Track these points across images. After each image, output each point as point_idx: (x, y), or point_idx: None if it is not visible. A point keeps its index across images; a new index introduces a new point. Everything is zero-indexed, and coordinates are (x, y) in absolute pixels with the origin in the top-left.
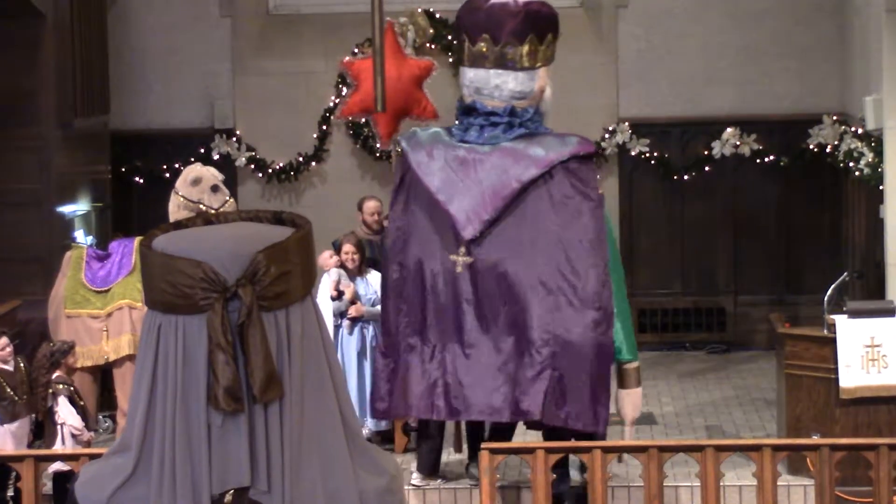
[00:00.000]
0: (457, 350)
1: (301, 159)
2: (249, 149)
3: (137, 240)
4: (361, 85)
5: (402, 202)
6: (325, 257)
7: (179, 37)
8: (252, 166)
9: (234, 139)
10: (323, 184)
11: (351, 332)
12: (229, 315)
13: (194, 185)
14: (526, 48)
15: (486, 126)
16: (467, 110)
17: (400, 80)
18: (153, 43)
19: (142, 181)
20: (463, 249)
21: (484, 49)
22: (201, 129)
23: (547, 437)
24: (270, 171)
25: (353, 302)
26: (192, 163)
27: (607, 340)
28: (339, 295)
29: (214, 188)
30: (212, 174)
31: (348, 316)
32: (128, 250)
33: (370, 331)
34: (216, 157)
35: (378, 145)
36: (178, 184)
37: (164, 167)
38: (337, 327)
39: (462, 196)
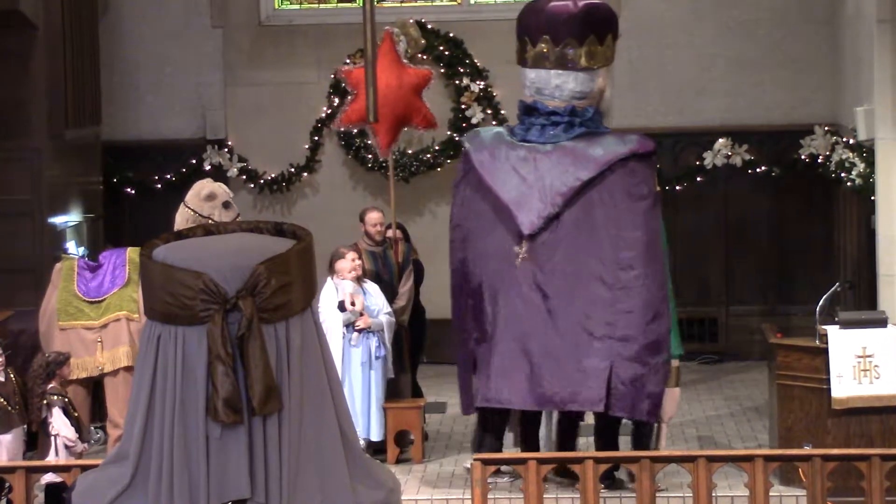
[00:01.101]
0: (527, 343)
1: (293, 170)
2: (241, 159)
3: (129, 250)
4: (360, 94)
5: (463, 200)
6: (344, 269)
7: (171, 47)
8: (244, 177)
9: (226, 150)
10: (315, 194)
11: (357, 344)
12: (229, 327)
13: (208, 200)
14: (585, 49)
15: (548, 125)
16: (528, 110)
17: (401, 89)
18: (145, 54)
19: (133, 192)
20: (524, 245)
21: (545, 50)
22: (193, 140)
23: (598, 427)
24: (262, 181)
25: (360, 313)
26: (184, 173)
27: (662, 336)
28: (342, 305)
29: (226, 205)
30: (224, 190)
31: (357, 327)
32: (120, 261)
33: (375, 341)
34: (208, 167)
35: (379, 154)
36: (189, 198)
37: (156, 178)
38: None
39: (523, 193)
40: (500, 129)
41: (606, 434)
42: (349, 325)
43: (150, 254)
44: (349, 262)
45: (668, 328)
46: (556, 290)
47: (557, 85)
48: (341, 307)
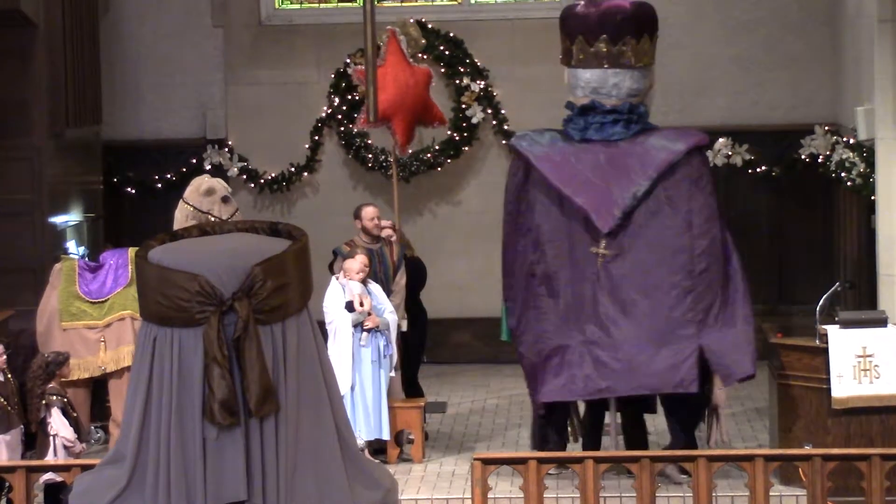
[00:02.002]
0: (616, 335)
1: (293, 169)
2: (241, 159)
3: (131, 250)
4: (378, 93)
5: (530, 204)
6: (353, 269)
7: (172, 47)
8: (244, 176)
9: (227, 149)
10: (315, 194)
11: (367, 344)
12: (225, 328)
13: (207, 195)
14: (640, 47)
15: (607, 124)
16: (585, 110)
17: (417, 87)
18: (145, 53)
19: (134, 191)
20: (602, 242)
21: (603, 49)
22: (193, 140)
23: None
24: (262, 181)
25: (368, 313)
26: (185, 173)
27: (728, 325)
28: (350, 305)
29: (225, 199)
30: (222, 185)
31: (366, 327)
32: (122, 261)
33: (383, 340)
34: (208, 167)
35: (399, 153)
36: (188, 194)
37: (156, 177)
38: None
39: (594, 192)
40: (549, 130)
41: (687, 422)
42: (358, 326)
43: (145, 255)
44: (358, 264)
45: (729, 317)
46: (639, 282)
47: (615, 83)
48: (350, 307)
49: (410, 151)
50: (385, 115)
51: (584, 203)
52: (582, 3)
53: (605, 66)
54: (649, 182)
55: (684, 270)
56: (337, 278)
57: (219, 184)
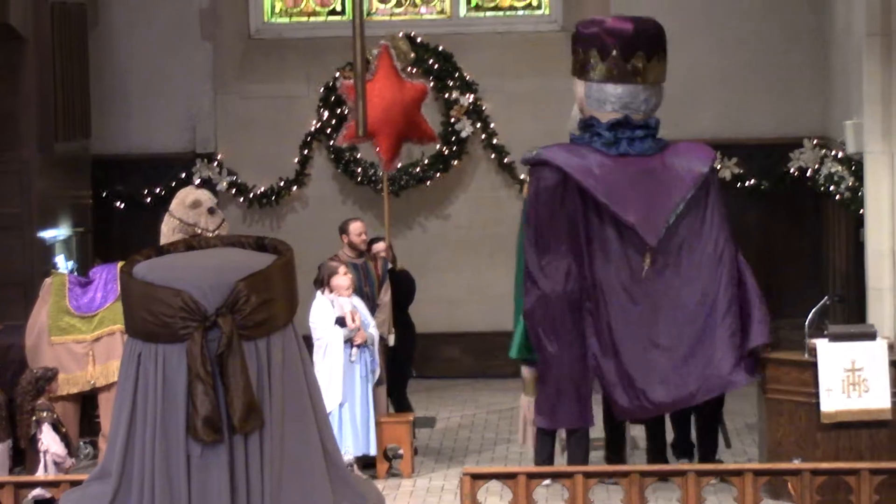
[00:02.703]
0: (657, 349)
1: (282, 184)
2: (231, 173)
3: (120, 265)
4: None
5: (568, 215)
6: (343, 286)
7: (161, 60)
8: (233, 191)
9: (216, 163)
10: (304, 208)
11: (357, 360)
12: (209, 344)
13: (193, 207)
14: (664, 63)
15: (637, 139)
16: (615, 125)
17: (403, 103)
18: (135, 67)
19: (123, 205)
20: (648, 257)
21: (639, 65)
22: (182, 154)
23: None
24: (252, 195)
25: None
26: (174, 187)
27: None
28: (344, 321)
29: (211, 210)
30: (208, 196)
31: (356, 343)
32: (111, 276)
33: (368, 355)
34: (197, 181)
35: (383, 170)
36: (174, 206)
37: (145, 191)
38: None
39: (638, 206)
40: (575, 144)
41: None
42: (348, 341)
43: (130, 271)
44: (347, 279)
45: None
46: (680, 294)
47: (645, 99)
48: (342, 323)
49: (399, 166)
50: (369, 131)
51: (632, 217)
52: (609, 18)
53: (639, 81)
54: (689, 196)
55: (715, 280)
56: (322, 293)
57: (204, 195)
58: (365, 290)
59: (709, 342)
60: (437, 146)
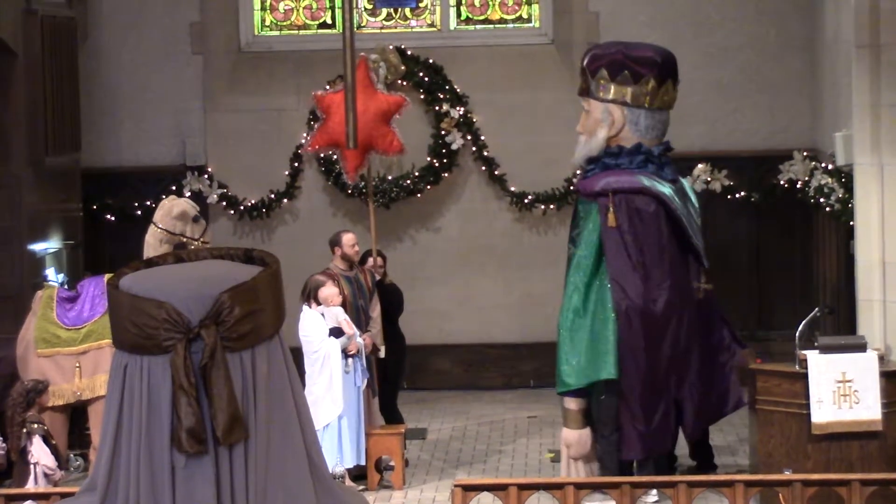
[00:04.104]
0: (712, 365)
1: (273, 196)
2: (221, 186)
3: (107, 277)
4: (329, 118)
5: (663, 238)
6: (333, 294)
7: (151, 74)
8: (224, 203)
9: (206, 176)
10: (295, 221)
11: (351, 370)
12: (193, 356)
13: (180, 219)
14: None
15: (668, 164)
16: (664, 151)
17: (365, 114)
18: (125, 80)
19: (113, 218)
20: (703, 277)
21: (674, 92)
22: (173, 167)
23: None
24: (242, 208)
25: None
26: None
27: None
28: (338, 332)
29: (195, 219)
30: (191, 205)
31: (350, 353)
32: (99, 289)
33: (359, 365)
34: (187, 194)
35: (347, 179)
36: (159, 218)
37: (136, 204)
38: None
39: (693, 228)
40: (634, 171)
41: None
42: (343, 352)
43: (116, 283)
44: (334, 289)
45: None
46: (712, 313)
47: (666, 123)
48: (338, 333)
49: (390, 178)
50: (333, 142)
51: (694, 240)
52: (652, 46)
53: (669, 107)
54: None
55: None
56: (308, 306)
57: (187, 204)
58: (359, 302)
59: (723, 370)
60: (428, 158)
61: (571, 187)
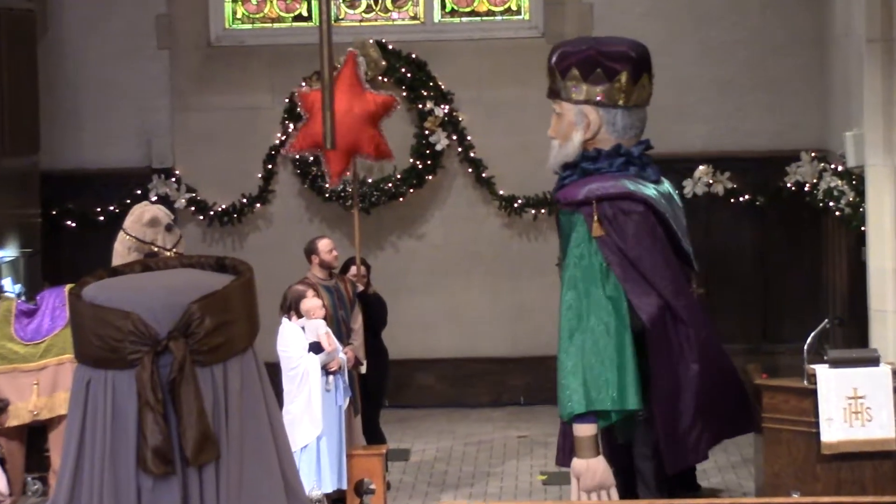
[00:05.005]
0: (717, 376)
1: (245, 201)
2: (189, 190)
3: (69, 287)
4: (313, 118)
5: (660, 244)
6: (316, 306)
7: (115, 70)
8: (192, 208)
9: (173, 179)
10: (269, 227)
11: (332, 388)
12: (160, 370)
13: (151, 226)
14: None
15: (649, 165)
16: (644, 150)
17: (349, 114)
18: (87, 77)
19: (74, 225)
20: (695, 281)
21: (651, 88)
22: (138, 169)
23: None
24: (212, 213)
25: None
26: (129, 205)
27: None
28: (318, 347)
29: (169, 227)
30: (165, 213)
31: (331, 369)
32: (60, 300)
33: (341, 382)
34: (154, 198)
35: (328, 184)
36: (129, 225)
37: (98, 210)
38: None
39: (682, 231)
40: (616, 175)
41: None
42: (323, 368)
43: (79, 293)
44: (317, 300)
45: None
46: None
47: (644, 120)
48: (318, 349)
49: (371, 181)
50: (317, 143)
51: (684, 244)
52: (624, 40)
53: (647, 103)
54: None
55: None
56: (289, 319)
57: (161, 211)
58: (340, 314)
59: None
60: (411, 160)
61: (550, 198)
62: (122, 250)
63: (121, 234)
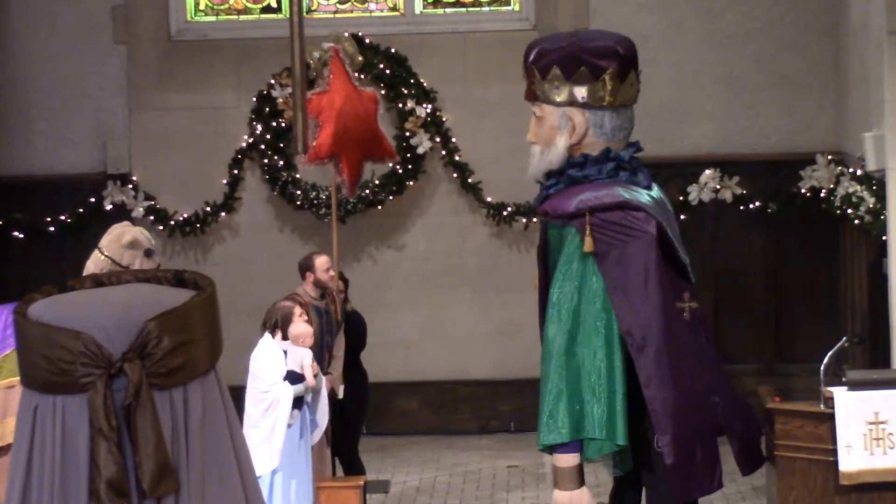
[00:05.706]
0: (717, 389)
1: (209, 209)
2: (148, 197)
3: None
4: (325, 125)
5: (659, 268)
6: (307, 334)
7: (67, 67)
8: (151, 217)
9: (130, 186)
10: (234, 237)
11: (295, 422)
12: (115, 395)
13: (130, 248)
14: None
15: (640, 169)
16: (634, 154)
17: (362, 117)
18: (36, 74)
19: (23, 235)
20: (687, 294)
21: (638, 85)
22: (92, 175)
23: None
24: (173, 222)
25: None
26: (82, 214)
27: None
28: (295, 377)
29: (148, 253)
30: (146, 237)
31: (307, 401)
32: (9, 319)
33: (308, 413)
34: (109, 206)
35: (346, 194)
36: (107, 244)
37: (49, 220)
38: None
39: (677, 240)
40: (608, 183)
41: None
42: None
43: (25, 311)
44: (308, 328)
45: None
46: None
47: (632, 120)
48: (295, 378)
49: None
50: (332, 152)
51: (681, 255)
52: (608, 34)
53: (635, 102)
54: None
55: None
56: (273, 335)
57: (142, 235)
58: (326, 339)
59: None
60: (390, 164)
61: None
62: (94, 269)
63: (95, 253)
